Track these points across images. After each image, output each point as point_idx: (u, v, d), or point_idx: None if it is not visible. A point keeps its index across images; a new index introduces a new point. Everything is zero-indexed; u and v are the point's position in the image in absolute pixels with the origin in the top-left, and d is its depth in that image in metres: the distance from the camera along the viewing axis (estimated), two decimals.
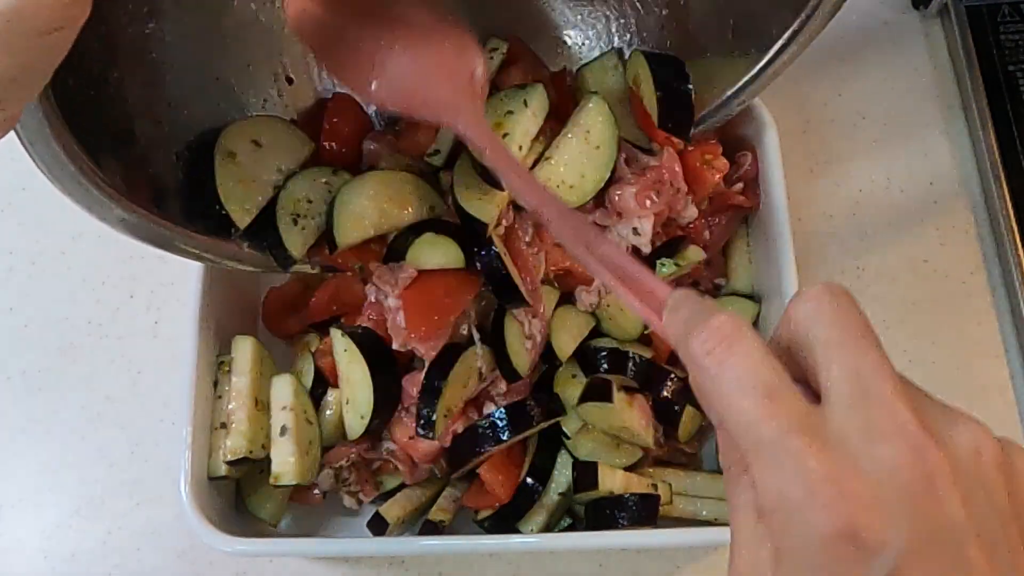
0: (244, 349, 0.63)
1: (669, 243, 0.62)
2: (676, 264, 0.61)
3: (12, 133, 0.82)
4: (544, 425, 0.60)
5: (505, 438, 0.58)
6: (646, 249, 0.61)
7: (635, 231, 0.60)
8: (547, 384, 0.63)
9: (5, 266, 0.77)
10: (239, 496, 0.64)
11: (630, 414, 0.60)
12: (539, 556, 0.67)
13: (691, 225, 0.64)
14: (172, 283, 0.75)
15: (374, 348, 0.60)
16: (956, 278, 0.73)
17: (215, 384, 0.62)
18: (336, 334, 0.61)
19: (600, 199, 0.61)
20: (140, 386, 0.72)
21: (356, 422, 0.60)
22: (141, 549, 0.68)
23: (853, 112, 0.79)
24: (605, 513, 0.59)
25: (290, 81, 0.63)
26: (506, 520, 0.61)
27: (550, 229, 0.41)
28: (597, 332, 0.65)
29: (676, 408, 0.61)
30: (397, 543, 0.59)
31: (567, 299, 0.64)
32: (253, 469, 0.63)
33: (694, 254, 0.63)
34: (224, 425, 0.61)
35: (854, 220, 0.75)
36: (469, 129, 0.46)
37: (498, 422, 0.58)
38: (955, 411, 0.31)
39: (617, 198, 0.60)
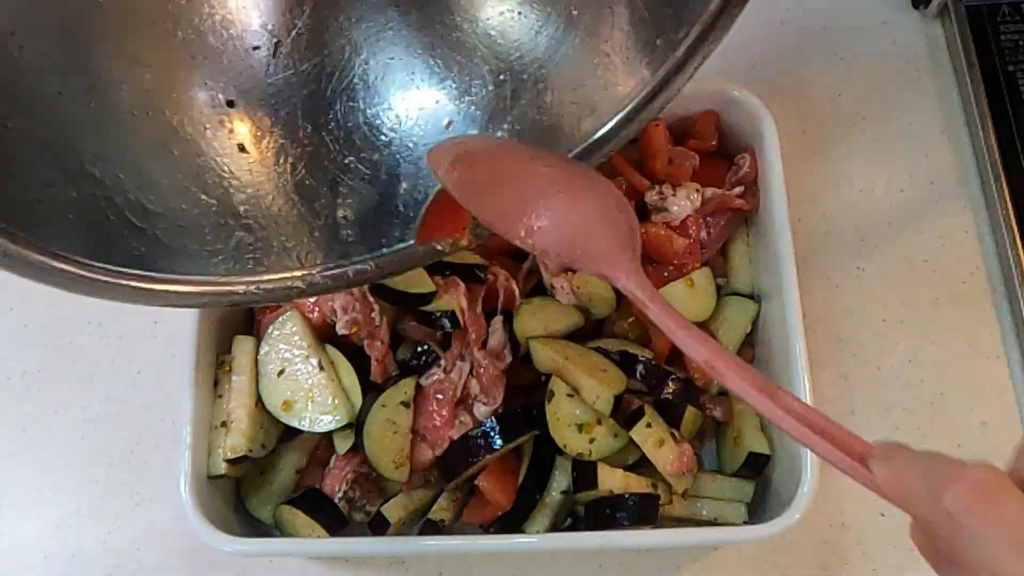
0: (245, 349, 0.63)
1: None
2: None
3: None
4: (536, 432, 0.61)
5: (497, 447, 0.58)
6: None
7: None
8: (539, 387, 0.63)
9: None
10: (239, 497, 0.64)
11: (658, 453, 0.60)
12: (539, 556, 0.67)
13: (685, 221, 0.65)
14: None
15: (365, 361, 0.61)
16: (956, 278, 0.73)
17: (215, 384, 0.62)
18: (329, 348, 0.62)
19: None
20: (140, 386, 0.72)
21: (342, 437, 0.61)
22: (141, 549, 0.68)
23: (853, 112, 0.79)
24: (605, 513, 0.59)
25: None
26: (510, 523, 0.61)
27: (726, 382, 0.39)
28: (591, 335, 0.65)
29: (678, 408, 0.61)
30: (397, 543, 0.59)
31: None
32: (253, 470, 0.63)
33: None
34: (224, 424, 0.61)
35: (854, 220, 0.75)
36: (632, 284, 0.44)
37: (490, 431, 0.59)
38: None
39: None
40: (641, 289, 0.43)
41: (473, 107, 0.53)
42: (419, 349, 0.63)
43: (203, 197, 0.50)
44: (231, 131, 0.51)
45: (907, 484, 0.31)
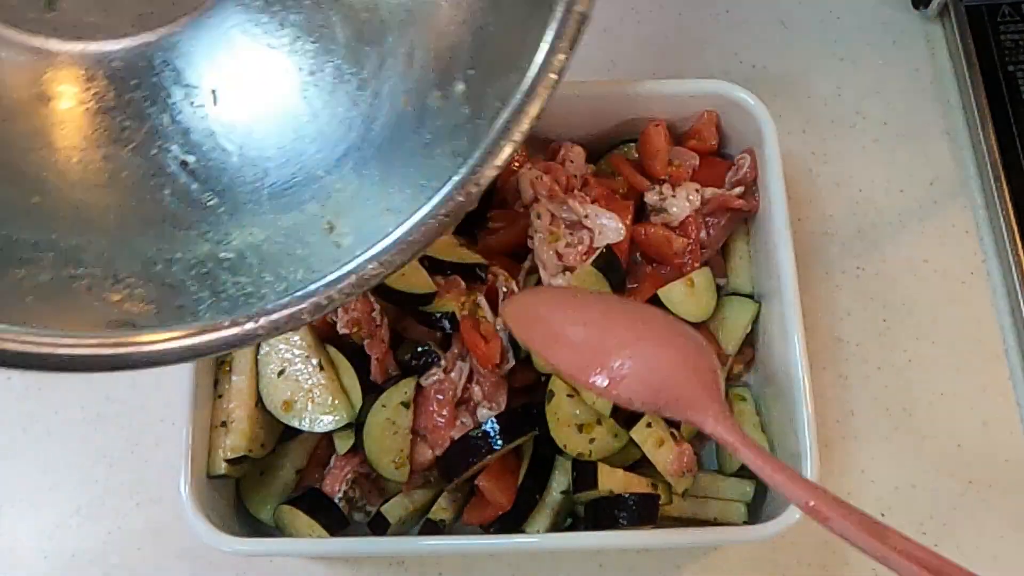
0: (244, 349, 0.63)
1: None
2: None
3: None
4: (536, 432, 0.61)
5: (498, 447, 0.58)
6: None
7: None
8: (539, 387, 0.63)
9: None
10: (239, 497, 0.64)
11: (658, 453, 0.60)
12: (539, 556, 0.67)
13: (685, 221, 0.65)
14: None
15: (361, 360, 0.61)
16: (956, 278, 0.73)
17: (215, 383, 0.62)
18: (330, 348, 0.62)
19: None
20: (140, 386, 0.72)
21: (343, 437, 0.61)
22: (141, 549, 0.68)
23: (853, 112, 0.79)
24: (605, 513, 0.59)
25: None
26: (510, 523, 0.61)
27: (831, 525, 0.40)
28: None
29: None
30: (397, 543, 0.59)
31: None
32: (253, 470, 0.63)
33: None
34: (224, 424, 0.61)
35: (854, 220, 0.75)
36: (721, 430, 0.45)
37: (490, 431, 0.59)
38: None
39: None
40: (731, 434, 0.44)
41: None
42: (419, 349, 0.63)
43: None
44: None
45: None
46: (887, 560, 0.36)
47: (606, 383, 0.46)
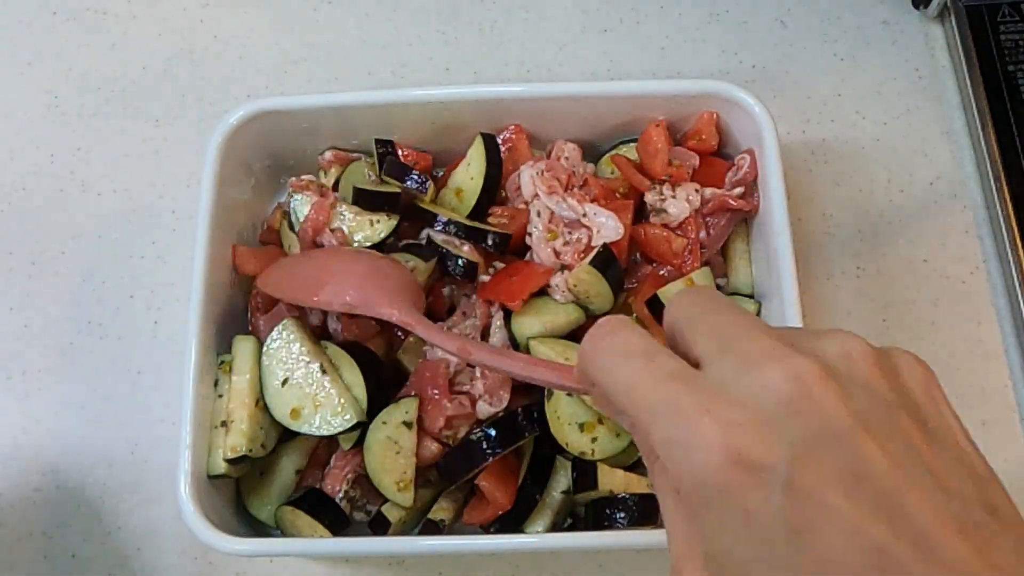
0: (245, 349, 0.63)
1: None
2: None
3: (11, 132, 0.83)
4: (537, 433, 0.61)
5: (498, 452, 0.59)
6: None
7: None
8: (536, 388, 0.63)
9: (5, 266, 0.77)
10: (239, 497, 0.64)
11: None
12: (539, 556, 0.67)
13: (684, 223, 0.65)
14: (172, 283, 0.75)
15: (366, 356, 0.62)
16: (956, 278, 0.73)
17: (216, 383, 0.62)
18: (329, 346, 0.62)
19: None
20: (140, 386, 0.72)
21: (348, 436, 0.61)
22: (141, 549, 0.68)
23: (853, 112, 0.79)
24: (605, 513, 0.59)
25: None
26: (510, 523, 0.61)
27: (473, 360, 0.53)
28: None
29: None
30: (397, 543, 0.59)
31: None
32: (253, 470, 0.63)
33: None
34: (224, 424, 0.61)
35: (854, 220, 0.75)
36: (400, 316, 0.58)
37: (490, 435, 0.59)
38: (825, 330, 0.32)
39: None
40: (407, 318, 0.58)
41: None
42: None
43: None
44: None
45: (579, 365, 0.37)
46: (514, 370, 0.48)
47: (315, 297, 0.60)
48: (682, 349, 0.33)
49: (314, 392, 0.60)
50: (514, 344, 0.63)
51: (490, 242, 0.64)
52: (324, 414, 0.60)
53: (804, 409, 0.28)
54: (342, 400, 0.60)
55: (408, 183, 0.65)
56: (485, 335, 0.63)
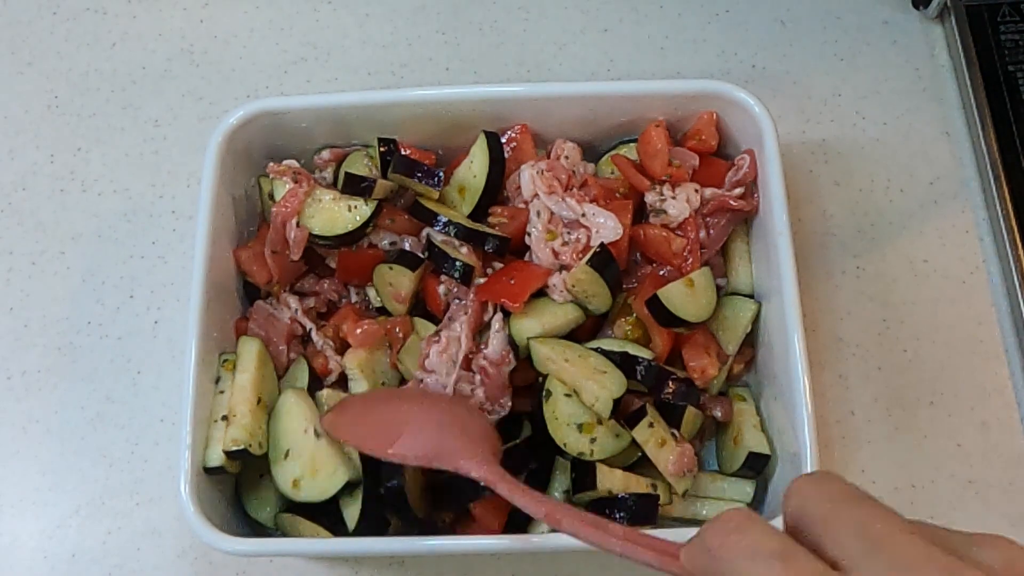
0: (250, 349, 0.64)
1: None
2: None
3: (11, 132, 0.83)
4: (534, 467, 0.61)
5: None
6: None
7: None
8: (538, 388, 0.63)
9: (5, 266, 0.77)
10: (238, 498, 0.64)
11: (659, 454, 0.60)
12: (539, 556, 0.67)
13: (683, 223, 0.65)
14: (172, 283, 0.75)
15: None
16: (956, 278, 0.73)
17: (217, 379, 0.62)
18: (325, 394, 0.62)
19: None
20: (140, 386, 0.72)
21: (350, 501, 0.60)
22: (141, 549, 0.68)
23: (853, 112, 0.79)
24: (604, 513, 0.59)
25: None
26: (514, 524, 0.61)
27: (564, 529, 0.47)
28: (590, 333, 0.65)
29: (678, 408, 0.61)
30: (397, 543, 0.59)
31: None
32: (252, 472, 0.63)
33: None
34: (225, 418, 0.61)
35: (854, 220, 0.75)
36: (482, 471, 0.54)
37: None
38: (975, 534, 0.31)
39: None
40: (488, 474, 0.53)
41: None
42: None
43: None
44: None
45: (692, 552, 0.35)
46: (608, 545, 0.43)
47: (388, 451, 0.57)
48: (810, 543, 0.32)
49: (311, 457, 0.60)
50: (513, 345, 0.63)
51: (489, 246, 0.64)
52: (319, 479, 0.59)
53: None
54: (335, 462, 0.59)
55: (418, 178, 0.65)
56: (477, 334, 0.63)
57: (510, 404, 0.61)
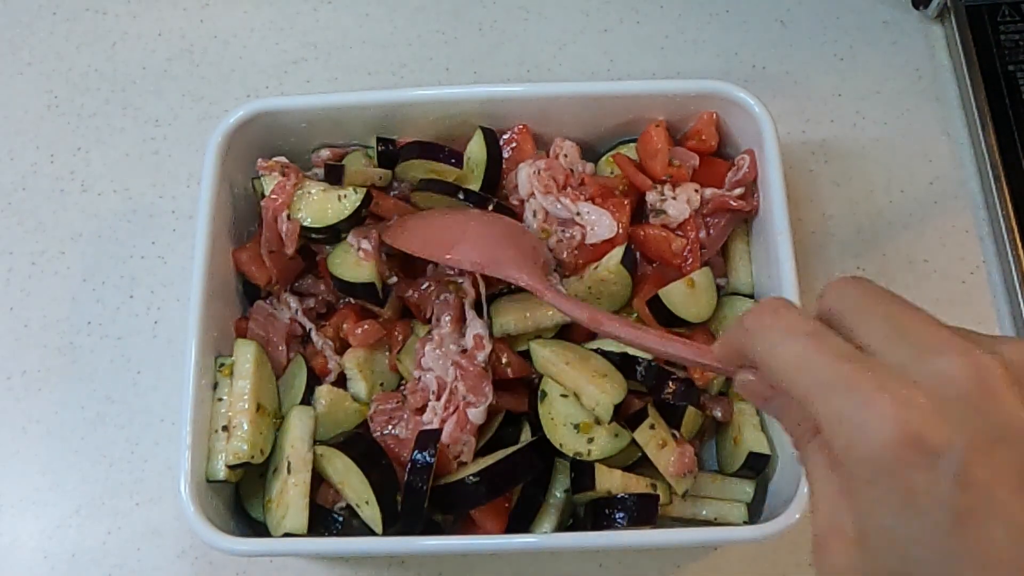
0: (246, 353, 0.63)
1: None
2: None
3: (11, 132, 0.83)
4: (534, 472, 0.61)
5: (488, 500, 0.58)
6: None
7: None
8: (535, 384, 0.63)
9: (5, 266, 0.77)
10: (238, 498, 0.64)
11: (660, 455, 0.60)
12: (539, 556, 0.67)
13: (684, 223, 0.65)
14: (172, 283, 0.75)
15: (362, 449, 0.61)
16: (956, 278, 0.73)
17: (215, 386, 0.62)
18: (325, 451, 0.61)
19: None
20: (140, 386, 0.72)
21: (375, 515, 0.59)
22: (141, 549, 0.68)
23: (853, 112, 0.79)
24: (604, 513, 0.59)
25: None
26: (517, 524, 0.61)
27: (605, 329, 0.52)
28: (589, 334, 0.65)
29: (678, 409, 0.61)
30: (397, 543, 0.59)
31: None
32: (253, 473, 0.63)
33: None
34: (226, 428, 0.61)
35: (854, 220, 0.75)
36: (530, 281, 0.58)
37: (481, 486, 0.58)
38: (1000, 336, 0.32)
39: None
40: (538, 283, 0.58)
41: None
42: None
43: None
44: None
45: (730, 336, 0.38)
46: (649, 343, 0.48)
47: (447, 255, 0.61)
48: (842, 330, 0.33)
49: (280, 491, 0.60)
50: (517, 353, 0.63)
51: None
52: (279, 513, 0.60)
53: (986, 406, 0.29)
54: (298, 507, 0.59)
55: (440, 158, 0.66)
56: (462, 321, 0.63)
57: (491, 393, 0.60)
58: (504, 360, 0.62)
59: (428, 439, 0.58)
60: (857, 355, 0.31)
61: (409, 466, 0.57)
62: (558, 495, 0.62)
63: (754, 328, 0.35)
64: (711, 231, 0.66)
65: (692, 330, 0.63)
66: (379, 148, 0.68)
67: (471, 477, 0.58)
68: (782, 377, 0.33)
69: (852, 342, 0.33)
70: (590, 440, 0.59)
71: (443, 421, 0.60)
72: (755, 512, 0.62)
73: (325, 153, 0.70)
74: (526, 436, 0.62)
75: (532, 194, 0.65)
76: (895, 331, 0.32)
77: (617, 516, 0.58)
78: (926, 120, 0.79)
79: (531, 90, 0.69)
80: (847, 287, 0.35)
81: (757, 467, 0.62)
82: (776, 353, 0.33)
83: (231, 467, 0.59)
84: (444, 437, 0.59)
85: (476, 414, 0.60)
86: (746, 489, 0.63)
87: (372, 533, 0.60)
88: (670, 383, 0.61)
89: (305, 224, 0.64)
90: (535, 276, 0.58)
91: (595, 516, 0.59)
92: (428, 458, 0.57)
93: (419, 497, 0.57)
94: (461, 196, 0.64)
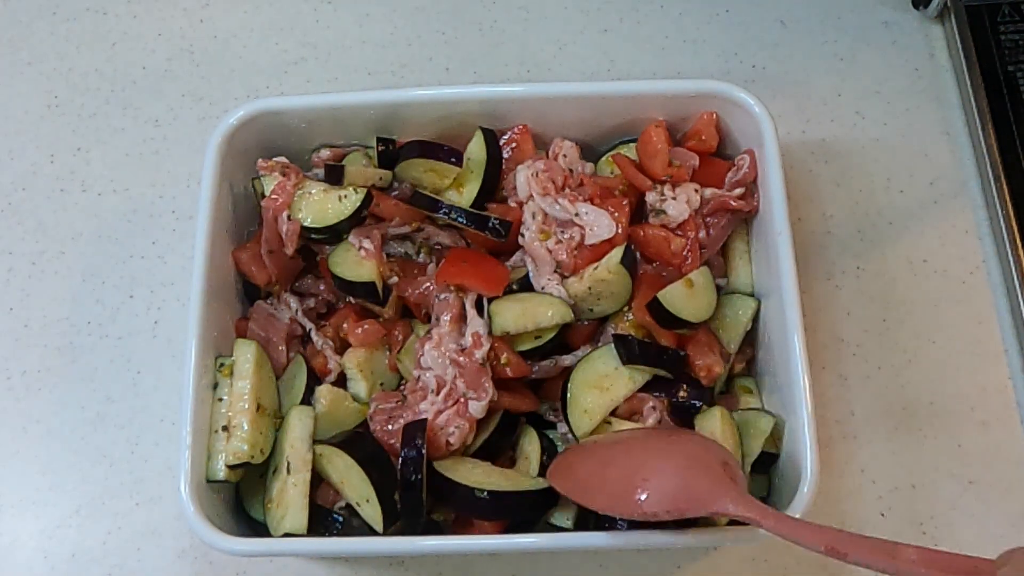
0: (246, 353, 0.63)
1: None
2: None
3: (11, 132, 0.83)
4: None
5: (495, 518, 0.59)
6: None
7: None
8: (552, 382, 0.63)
9: (5, 266, 0.77)
10: (238, 498, 0.64)
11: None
12: (539, 556, 0.67)
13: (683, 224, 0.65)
14: (172, 283, 0.75)
15: (362, 448, 0.61)
16: (956, 278, 0.73)
17: (215, 386, 0.62)
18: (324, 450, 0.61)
19: None
20: (140, 386, 0.72)
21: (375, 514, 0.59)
22: (141, 549, 0.68)
23: (853, 112, 0.79)
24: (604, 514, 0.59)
25: None
26: (536, 513, 0.61)
27: (850, 560, 0.46)
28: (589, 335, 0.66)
29: (690, 411, 0.62)
30: (397, 543, 0.59)
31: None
32: (253, 473, 0.63)
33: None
34: (226, 428, 0.61)
35: (854, 220, 0.75)
36: (740, 509, 0.51)
37: (491, 504, 0.58)
38: None
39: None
40: (750, 511, 0.50)
41: None
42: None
43: None
44: None
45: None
46: (902, 573, 0.41)
47: (636, 512, 0.53)
48: None
49: (279, 491, 0.60)
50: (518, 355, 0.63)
51: (492, 223, 0.64)
52: (279, 513, 0.60)
53: None
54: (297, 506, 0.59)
55: (439, 157, 0.66)
56: (462, 320, 0.63)
57: (491, 389, 0.60)
58: (503, 359, 0.62)
59: (414, 430, 0.58)
60: None
61: (400, 461, 0.58)
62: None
63: None
64: (711, 231, 0.66)
65: (693, 329, 0.63)
66: (379, 148, 0.68)
67: (480, 492, 0.58)
68: None
69: None
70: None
71: (438, 412, 0.60)
72: None
73: (325, 153, 0.70)
74: (527, 438, 0.62)
75: (531, 196, 0.65)
76: None
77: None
78: (926, 120, 0.79)
79: (531, 90, 0.69)
80: None
81: (766, 465, 0.62)
82: None
83: (231, 467, 0.59)
84: (434, 420, 0.59)
85: (477, 407, 0.60)
86: (754, 487, 0.62)
87: (372, 532, 0.60)
88: (684, 387, 0.61)
89: (306, 224, 0.64)
90: (743, 502, 0.51)
91: (596, 516, 0.59)
92: (417, 450, 0.57)
93: (416, 491, 0.57)
94: (444, 213, 0.64)
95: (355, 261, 0.64)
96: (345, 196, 0.64)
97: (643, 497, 0.52)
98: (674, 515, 0.52)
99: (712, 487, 0.52)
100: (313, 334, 0.66)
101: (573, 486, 0.56)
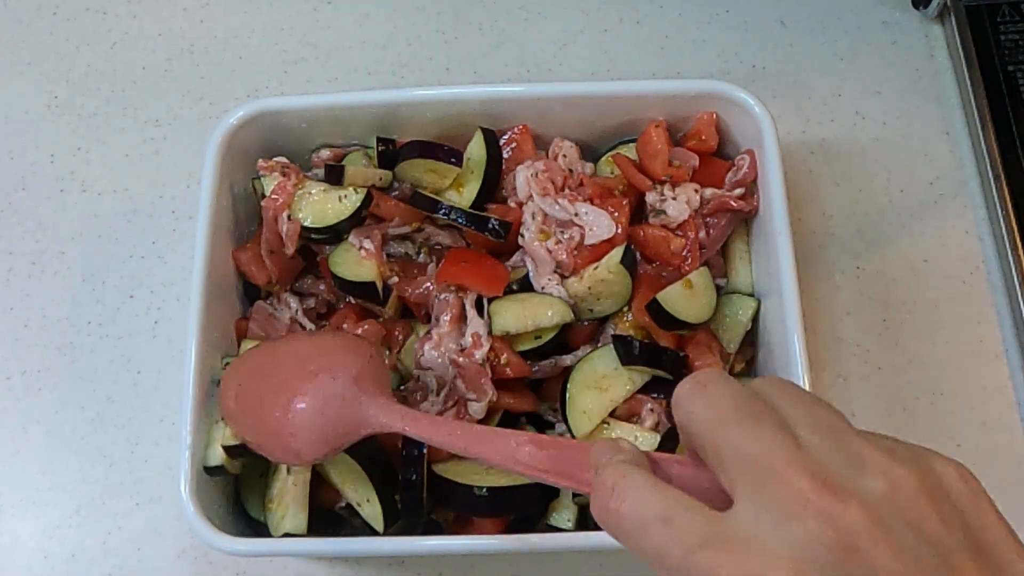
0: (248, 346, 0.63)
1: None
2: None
3: (11, 132, 0.83)
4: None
5: (495, 515, 0.59)
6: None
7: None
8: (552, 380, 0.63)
9: (5, 266, 0.77)
10: (238, 497, 0.64)
11: None
12: (539, 556, 0.67)
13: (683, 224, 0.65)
14: (172, 283, 0.75)
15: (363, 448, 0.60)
16: (956, 278, 0.73)
17: (218, 382, 0.62)
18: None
19: None
20: (140, 386, 0.72)
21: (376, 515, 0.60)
22: (141, 549, 0.68)
23: (853, 112, 0.79)
24: None
25: None
26: (515, 525, 0.61)
27: (470, 456, 0.46)
28: (589, 336, 0.66)
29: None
30: (397, 543, 0.59)
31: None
32: (252, 472, 0.63)
33: None
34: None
35: (854, 220, 0.75)
36: (385, 422, 0.51)
37: (489, 501, 0.58)
38: (862, 451, 0.31)
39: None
40: (393, 421, 0.51)
41: None
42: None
43: None
44: None
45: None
46: (515, 470, 0.43)
47: (290, 455, 0.53)
48: (707, 463, 0.33)
49: (280, 491, 0.61)
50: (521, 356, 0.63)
51: (491, 224, 0.64)
52: (279, 513, 0.60)
53: (853, 569, 0.28)
54: (297, 506, 0.59)
55: (439, 157, 0.65)
56: (462, 320, 0.63)
57: (492, 390, 0.60)
58: (503, 359, 0.62)
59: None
60: (716, 536, 0.30)
61: (402, 461, 0.58)
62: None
63: (607, 517, 0.33)
64: (711, 231, 0.66)
65: (693, 330, 0.63)
66: (379, 148, 0.68)
67: (479, 489, 0.58)
68: (646, 560, 0.32)
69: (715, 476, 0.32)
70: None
71: (438, 413, 0.60)
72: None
73: (325, 153, 0.70)
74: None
75: (531, 196, 0.65)
76: (755, 484, 0.30)
77: None
78: (926, 120, 0.79)
79: (531, 90, 0.69)
80: (696, 407, 0.34)
81: None
82: (635, 544, 0.32)
83: (228, 449, 0.59)
84: None
85: (477, 408, 0.60)
86: None
87: (373, 532, 0.60)
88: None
89: (306, 224, 0.64)
90: (386, 411, 0.51)
91: None
92: (418, 450, 0.57)
93: (416, 490, 0.57)
94: (444, 213, 0.64)
95: (355, 261, 0.64)
96: (345, 196, 0.64)
97: (297, 449, 0.52)
98: (337, 454, 0.53)
99: (360, 413, 0.51)
100: None
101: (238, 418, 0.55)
